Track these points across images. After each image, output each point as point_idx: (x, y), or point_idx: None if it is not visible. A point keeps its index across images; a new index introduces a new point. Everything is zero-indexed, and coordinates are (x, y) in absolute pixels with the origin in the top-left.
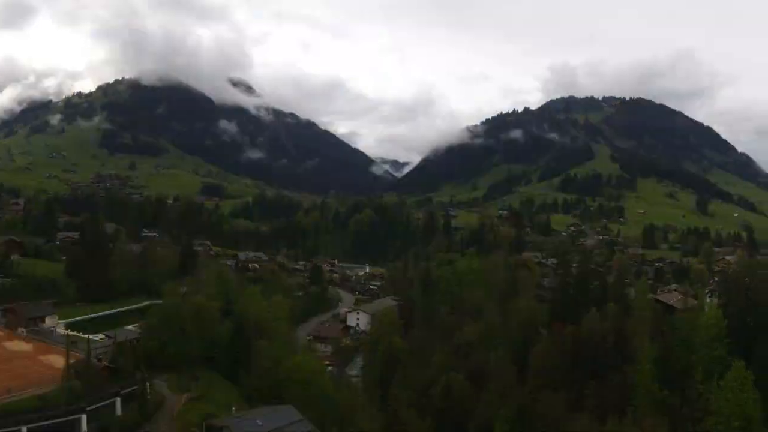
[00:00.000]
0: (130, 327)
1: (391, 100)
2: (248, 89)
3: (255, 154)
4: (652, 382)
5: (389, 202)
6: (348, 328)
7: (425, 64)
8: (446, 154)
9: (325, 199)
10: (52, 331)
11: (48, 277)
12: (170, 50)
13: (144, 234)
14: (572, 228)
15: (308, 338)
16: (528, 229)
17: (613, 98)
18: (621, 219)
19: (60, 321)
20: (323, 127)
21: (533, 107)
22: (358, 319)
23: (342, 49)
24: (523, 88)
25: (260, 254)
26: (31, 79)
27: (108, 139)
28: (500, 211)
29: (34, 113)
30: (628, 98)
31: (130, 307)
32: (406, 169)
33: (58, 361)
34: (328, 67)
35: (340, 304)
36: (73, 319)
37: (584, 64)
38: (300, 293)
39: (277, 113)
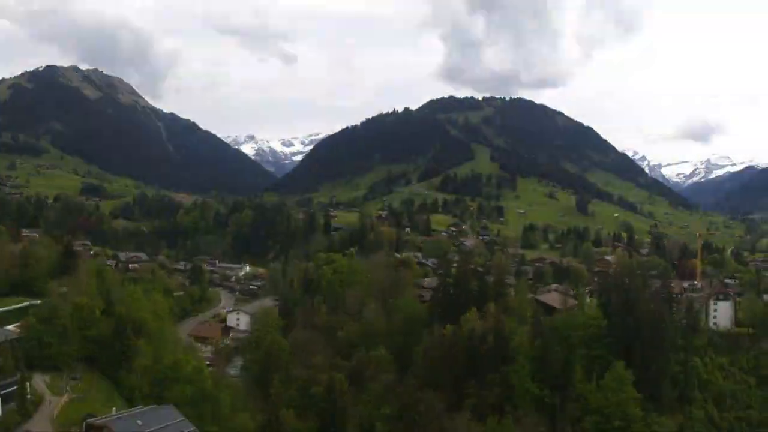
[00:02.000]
0: (10, 327)
1: None
2: (131, 90)
3: (136, 154)
4: (532, 382)
5: (269, 202)
6: (228, 328)
7: None
8: (327, 154)
9: (205, 199)
10: None
11: None
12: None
13: (24, 234)
14: (452, 228)
15: (189, 338)
16: (408, 229)
17: (493, 98)
18: (501, 219)
19: None
20: (204, 128)
21: (413, 107)
22: (238, 319)
23: None
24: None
25: (141, 254)
26: None
27: None
28: (380, 211)
29: None
30: (507, 98)
31: (9, 307)
32: (287, 169)
33: None
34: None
35: (220, 304)
36: None
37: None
38: (180, 293)
39: (158, 114)
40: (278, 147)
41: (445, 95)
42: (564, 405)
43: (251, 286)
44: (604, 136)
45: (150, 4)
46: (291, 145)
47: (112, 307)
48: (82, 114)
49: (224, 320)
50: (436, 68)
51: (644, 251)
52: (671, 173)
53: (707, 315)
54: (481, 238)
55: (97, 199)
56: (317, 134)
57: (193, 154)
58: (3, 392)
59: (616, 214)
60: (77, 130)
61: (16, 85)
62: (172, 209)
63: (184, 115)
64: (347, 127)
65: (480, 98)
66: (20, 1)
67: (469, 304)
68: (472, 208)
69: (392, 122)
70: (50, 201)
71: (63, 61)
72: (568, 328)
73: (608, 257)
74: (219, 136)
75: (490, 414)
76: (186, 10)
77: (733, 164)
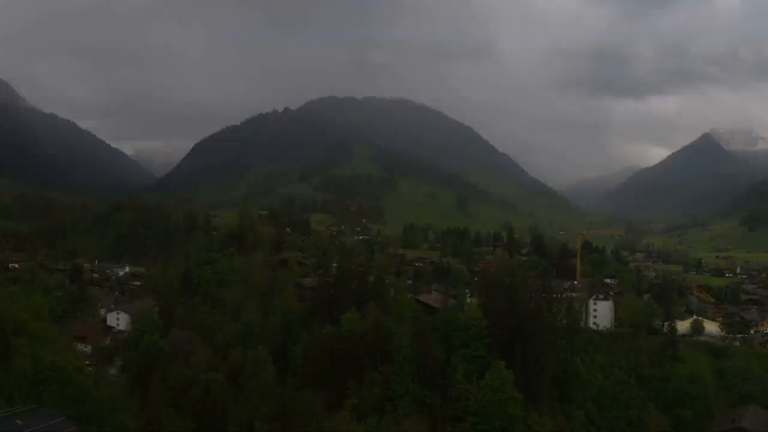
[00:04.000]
0: None
1: None
2: (9, 90)
3: (15, 154)
4: (412, 382)
5: (149, 202)
6: (108, 327)
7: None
8: (207, 154)
9: (85, 199)
10: None
11: None
12: None
13: None
14: (332, 227)
15: (68, 338)
16: (288, 229)
17: (373, 98)
18: (381, 219)
19: None
20: (84, 127)
21: (294, 107)
22: (118, 318)
23: None
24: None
25: (20, 254)
26: None
27: None
28: (260, 211)
29: None
30: (388, 98)
31: None
32: (168, 169)
33: None
34: None
35: (100, 304)
36: None
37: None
38: (60, 293)
39: (38, 113)
40: (158, 146)
41: (325, 95)
42: (444, 405)
43: (131, 286)
44: (484, 136)
45: None
46: (171, 144)
47: None
48: None
49: (104, 320)
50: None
51: (524, 251)
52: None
53: (587, 315)
54: (361, 237)
55: None
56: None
57: (73, 153)
58: None
59: (497, 214)
60: None
61: None
62: (53, 209)
63: (64, 115)
64: (227, 127)
65: (360, 98)
66: None
67: (349, 303)
68: (352, 208)
69: (273, 122)
70: None
71: None
72: (448, 328)
73: (488, 257)
74: (99, 136)
75: (370, 414)
76: None
77: (613, 164)
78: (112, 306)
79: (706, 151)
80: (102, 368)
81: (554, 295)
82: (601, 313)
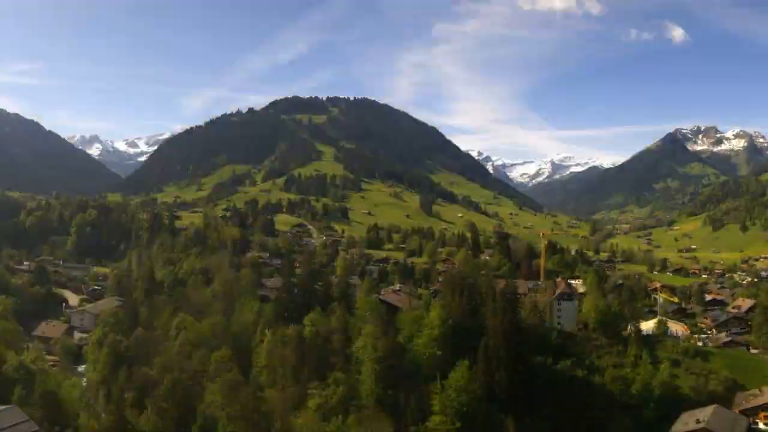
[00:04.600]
0: None
1: None
2: None
3: None
4: (376, 382)
5: (114, 203)
6: (73, 328)
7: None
8: (172, 155)
9: (49, 199)
10: None
11: None
12: None
13: None
14: (297, 228)
15: (33, 338)
16: (252, 229)
17: (337, 98)
18: (346, 219)
19: None
20: (48, 127)
21: (257, 108)
22: (82, 319)
23: None
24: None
25: None
26: None
27: None
28: (225, 211)
29: None
30: (352, 98)
31: None
32: (132, 170)
33: None
34: None
35: (65, 304)
36: None
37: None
38: (25, 294)
39: (2, 113)
40: (122, 147)
41: (290, 95)
42: (408, 406)
43: (96, 287)
44: (448, 137)
45: None
46: (135, 146)
47: None
48: None
49: (69, 320)
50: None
51: (489, 251)
52: (516, 174)
53: (552, 315)
54: (326, 238)
55: None
56: (162, 134)
57: (37, 154)
58: None
59: (461, 214)
60: None
61: None
62: (16, 210)
63: (28, 115)
64: (191, 128)
65: (324, 98)
66: None
67: (314, 304)
68: (317, 208)
69: (236, 122)
70: None
71: None
72: (412, 329)
73: (453, 257)
74: (63, 136)
75: (335, 414)
76: None
77: (578, 164)
78: (77, 306)
79: (670, 150)
80: (67, 368)
81: (519, 295)
82: (565, 314)
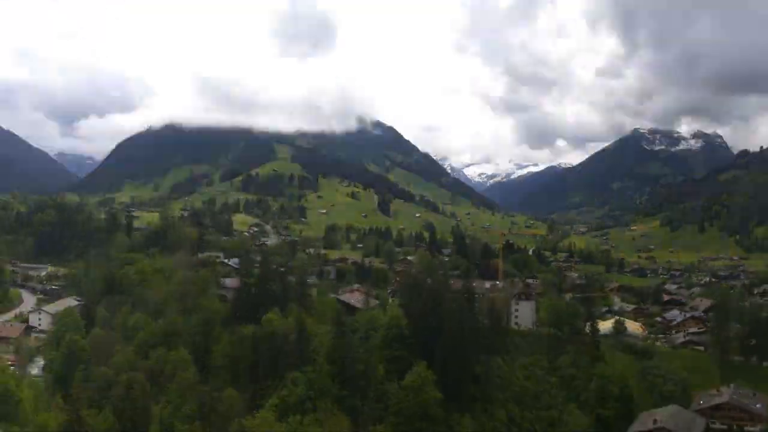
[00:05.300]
0: None
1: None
2: None
3: None
4: (333, 382)
5: (71, 202)
6: (30, 327)
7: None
8: (129, 154)
9: (6, 198)
10: None
11: None
12: None
13: None
14: (254, 228)
15: None
16: (210, 229)
17: None
18: (303, 219)
19: None
20: (6, 127)
21: None
22: (40, 318)
23: None
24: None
25: None
26: None
27: None
28: (182, 211)
29: None
30: None
31: None
32: (89, 170)
33: None
34: None
35: (22, 304)
36: None
37: None
38: None
39: None
40: (80, 147)
41: None
42: (365, 405)
43: (53, 286)
44: (406, 137)
45: None
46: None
47: None
48: None
49: (26, 320)
50: None
51: (446, 251)
52: (473, 173)
53: (509, 315)
54: (283, 237)
55: None
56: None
57: None
58: None
59: (418, 214)
60: None
61: None
62: None
63: None
64: (149, 127)
65: None
66: None
67: (271, 304)
68: (274, 208)
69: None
70: None
71: None
72: (369, 328)
73: (410, 257)
74: (20, 135)
75: (292, 413)
76: None
77: (535, 164)
78: (34, 306)
79: (628, 150)
80: (24, 368)
81: (476, 295)
82: (523, 313)
